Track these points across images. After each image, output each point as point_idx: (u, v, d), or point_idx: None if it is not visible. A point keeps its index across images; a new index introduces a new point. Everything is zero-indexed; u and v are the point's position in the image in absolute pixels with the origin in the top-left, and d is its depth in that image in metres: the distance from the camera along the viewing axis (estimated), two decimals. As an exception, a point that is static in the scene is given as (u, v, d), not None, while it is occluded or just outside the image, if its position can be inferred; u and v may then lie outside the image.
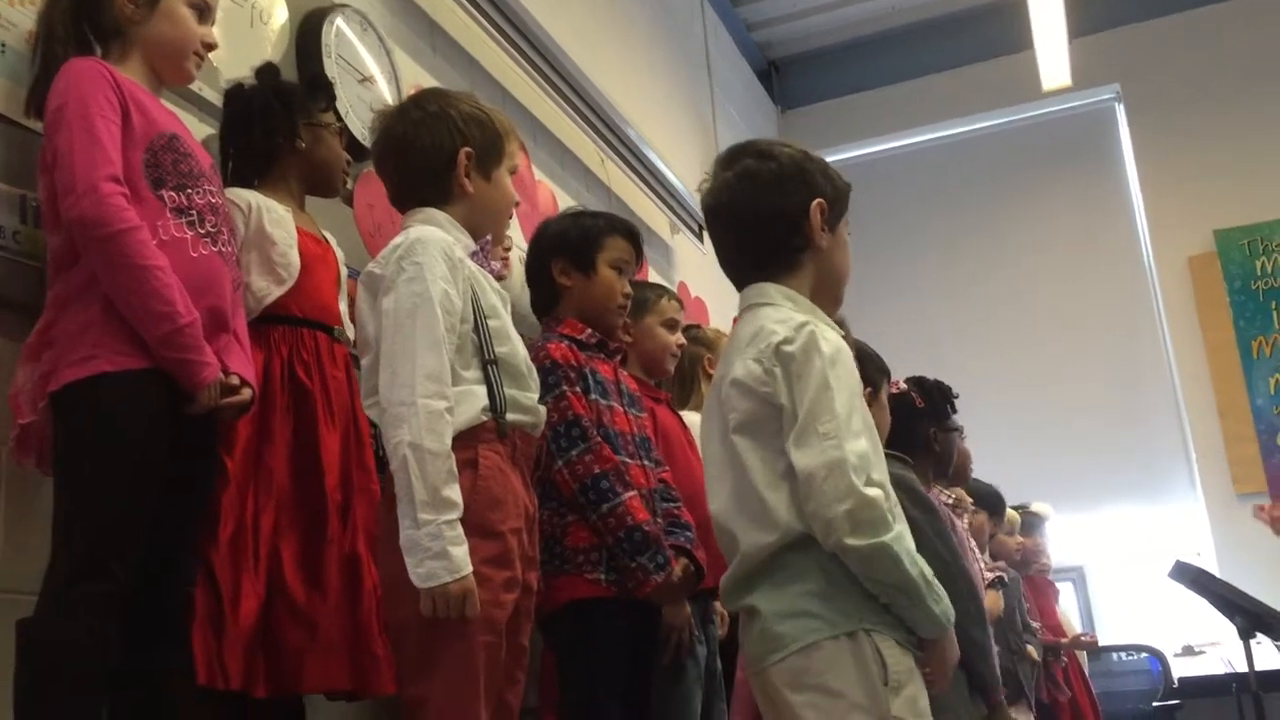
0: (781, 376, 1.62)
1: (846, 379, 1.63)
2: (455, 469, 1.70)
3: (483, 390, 1.82)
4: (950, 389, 3.11)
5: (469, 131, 1.96)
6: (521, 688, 1.90)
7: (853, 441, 1.56)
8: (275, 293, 2.05)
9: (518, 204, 2.14)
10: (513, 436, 1.85)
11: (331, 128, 2.26)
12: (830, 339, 1.64)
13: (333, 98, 2.32)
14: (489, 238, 1.99)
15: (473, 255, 1.93)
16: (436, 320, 1.76)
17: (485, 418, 1.80)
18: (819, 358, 1.60)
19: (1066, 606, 5.17)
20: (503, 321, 1.90)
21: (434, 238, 1.85)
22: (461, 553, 1.65)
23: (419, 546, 1.64)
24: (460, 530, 1.67)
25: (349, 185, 2.34)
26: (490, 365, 1.83)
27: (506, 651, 1.81)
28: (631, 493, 2.22)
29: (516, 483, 1.84)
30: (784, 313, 1.69)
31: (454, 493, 1.68)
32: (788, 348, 1.62)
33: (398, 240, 1.86)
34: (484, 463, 1.77)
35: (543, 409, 1.96)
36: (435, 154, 1.94)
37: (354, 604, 1.99)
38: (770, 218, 1.74)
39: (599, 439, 2.24)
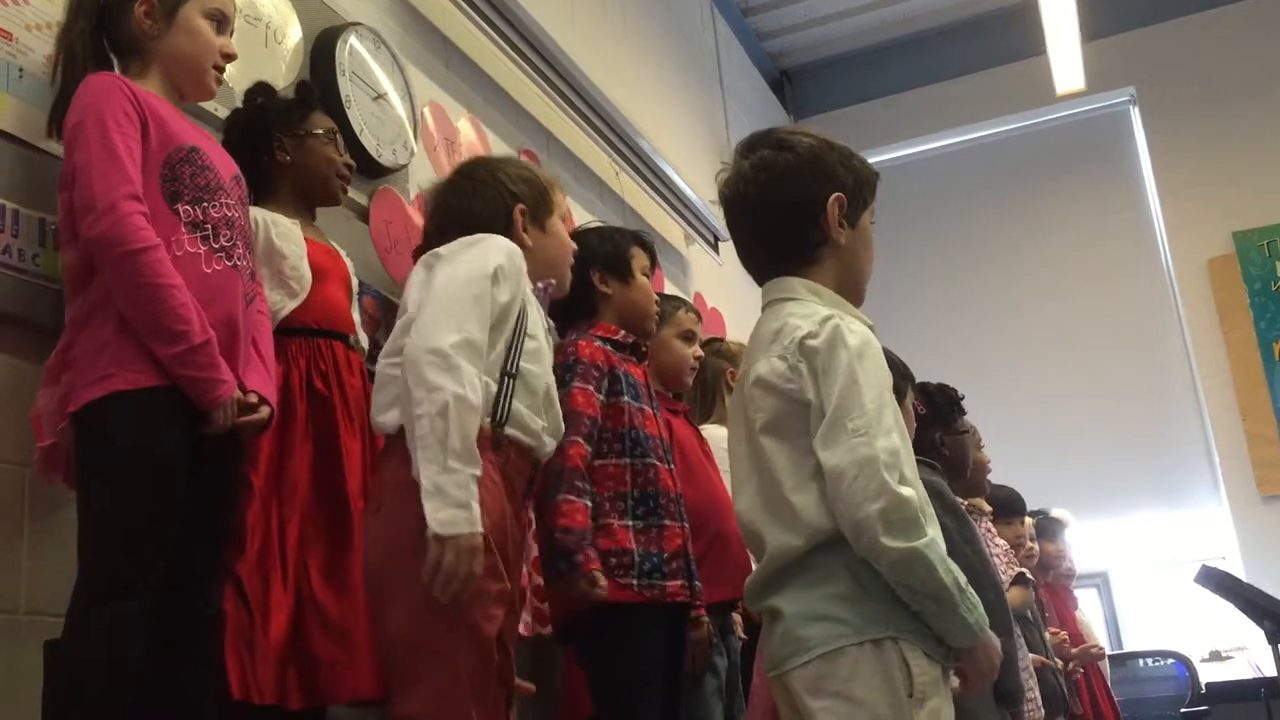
0: (807, 372, 1.56)
1: (875, 372, 1.57)
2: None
3: (492, 395, 1.80)
4: (956, 391, 3.09)
5: (519, 190, 2.05)
6: (511, 701, 1.86)
7: (884, 438, 1.50)
8: (289, 305, 2.07)
9: (575, 250, 2.21)
10: (507, 449, 1.82)
11: (317, 135, 2.24)
12: (857, 331, 1.59)
13: (312, 105, 2.29)
14: (552, 281, 2.07)
15: (534, 289, 1.99)
16: (487, 300, 1.79)
17: (484, 423, 1.78)
18: (845, 351, 1.55)
19: (1090, 613, 5.12)
20: (540, 345, 1.92)
21: (503, 241, 1.92)
22: (479, 512, 1.63)
23: (444, 493, 1.61)
24: (478, 489, 1.65)
25: (347, 190, 2.33)
26: (507, 377, 1.83)
27: (498, 666, 1.76)
28: (579, 500, 2.13)
29: (505, 497, 1.80)
30: (808, 307, 1.63)
31: (478, 454, 1.67)
32: (812, 342, 1.57)
33: (467, 238, 1.92)
34: None
35: (550, 440, 1.93)
36: (492, 217, 2.02)
37: None
38: (786, 211, 1.68)
39: (578, 438, 2.16)
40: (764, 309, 1.72)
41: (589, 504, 2.15)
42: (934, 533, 1.52)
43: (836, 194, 1.67)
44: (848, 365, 1.54)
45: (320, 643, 1.92)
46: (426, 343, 1.70)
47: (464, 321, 1.74)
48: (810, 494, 1.55)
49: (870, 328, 1.66)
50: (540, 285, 2.02)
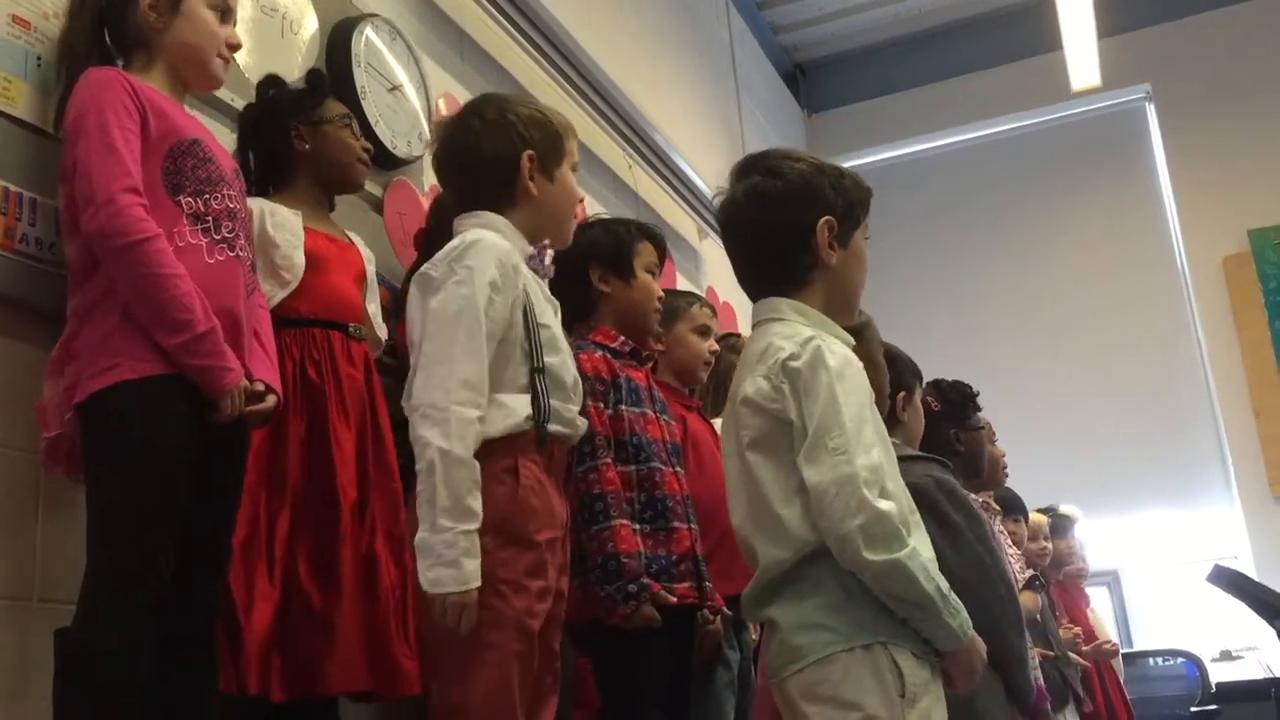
0: (790, 393, 1.63)
1: (855, 391, 1.63)
2: (480, 478, 1.68)
3: (526, 399, 1.80)
4: (970, 387, 3.09)
5: (529, 134, 1.94)
6: (555, 695, 1.87)
7: (863, 455, 1.56)
8: (279, 295, 2.06)
9: (581, 200, 2.14)
10: (551, 446, 1.83)
11: (333, 121, 2.24)
12: (837, 352, 1.65)
13: (325, 92, 2.28)
14: (547, 241, 1.96)
15: (528, 260, 1.91)
16: (479, 327, 1.74)
17: (527, 426, 1.78)
18: (825, 372, 1.61)
19: (1101, 611, 5.11)
20: (553, 331, 1.89)
21: (490, 242, 1.83)
22: (473, 566, 1.64)
23: (433, 552, 1.63)
24: (476, 542, 1.65)
25: (368, 171, 2.33)
26: (537, 374, 1.82)
27: (539, 659, 1.79)
28: (622, 521, 2.16)
29: (552, 492, 1.83)
30: (792, 327, 1.70)
31: (476, 503, 1.66)
32: (794, 363, 1.63)
33: (454, 243, 1.84)
34: (524, 473, 1.75)
35: (583, 421, 1.94)
36: (499, 161, 1.92)
37: (371, 603, 1.98)
38: (777, 237, 1.74)
39: (608, 460, 2.20)
40: (753, 328, 1.79)
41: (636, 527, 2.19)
42: (915, 543, 1.58)
43: (826, 218, 1.72)
44: (828, 386, 1.60)
45: (305, 635, 1.91)
46: (422, 395, 1.70)
47: (456, 363, 1.71)
48: (796, 508, 1.62)
49: (851, 345, 1.72)
50: (533, 251, 1.93)
